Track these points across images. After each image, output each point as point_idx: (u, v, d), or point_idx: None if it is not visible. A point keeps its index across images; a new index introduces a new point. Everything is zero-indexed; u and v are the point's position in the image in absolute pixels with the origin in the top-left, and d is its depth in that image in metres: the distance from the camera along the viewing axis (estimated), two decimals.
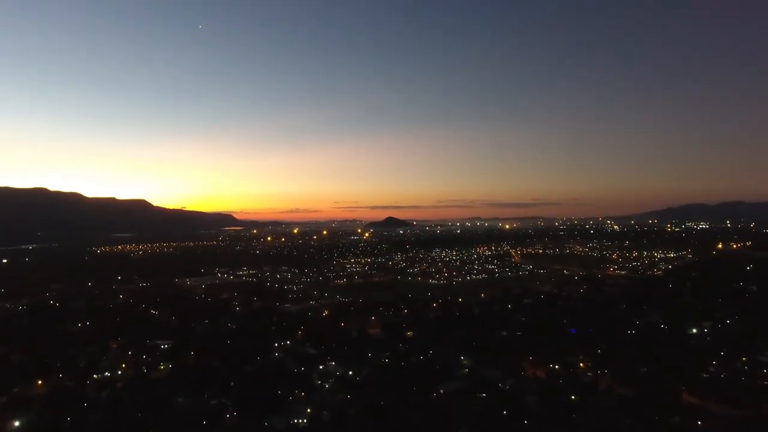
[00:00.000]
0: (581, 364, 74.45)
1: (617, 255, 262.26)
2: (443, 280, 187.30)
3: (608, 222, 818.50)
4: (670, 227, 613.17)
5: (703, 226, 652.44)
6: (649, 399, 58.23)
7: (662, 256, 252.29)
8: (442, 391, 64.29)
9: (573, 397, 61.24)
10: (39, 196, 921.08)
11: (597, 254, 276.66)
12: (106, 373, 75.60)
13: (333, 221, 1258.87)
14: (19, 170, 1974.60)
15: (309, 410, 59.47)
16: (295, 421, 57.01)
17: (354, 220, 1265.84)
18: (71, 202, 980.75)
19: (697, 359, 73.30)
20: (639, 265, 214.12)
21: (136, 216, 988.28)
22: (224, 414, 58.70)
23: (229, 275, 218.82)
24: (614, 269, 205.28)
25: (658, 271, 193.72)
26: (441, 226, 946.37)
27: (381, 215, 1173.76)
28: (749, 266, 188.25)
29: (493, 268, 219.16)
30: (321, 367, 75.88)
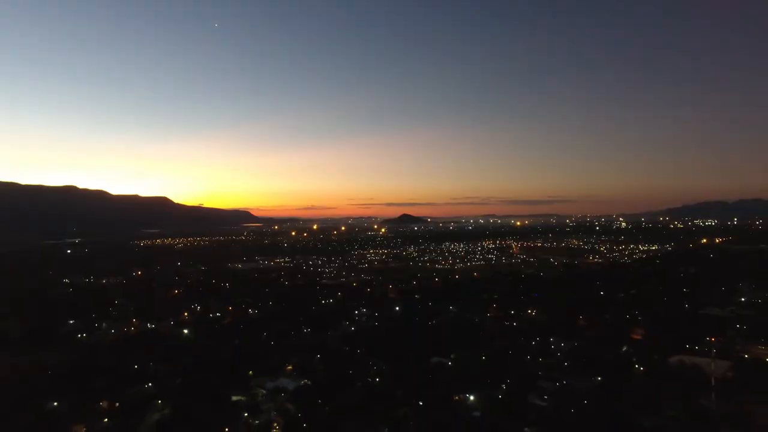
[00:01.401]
0: (529, 310, 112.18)
1: (605, 248, 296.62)
2: (447, 265, 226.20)
3: (619, 219, 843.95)
4: (675, 224, 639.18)
5: (710, 223, 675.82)
6: (559, 323, 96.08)
7: (644, 248, 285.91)
8: (434, 321, 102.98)
9: (515, 323, 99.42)
10: (69, 194, 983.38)
11: (588, 247, 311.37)
12: (218, 314, 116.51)
13: (349, 218, 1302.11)
14: (50, 169, 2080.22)
15: (353, 328, 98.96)
16: (345, 332, 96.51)
17: (369, 217, 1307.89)
18: (98, 199, 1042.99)
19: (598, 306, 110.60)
20: (617, 255, 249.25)
21: (158, 212, 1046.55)
22: (303, 330, 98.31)
23: (268, 262, 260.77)
24: (593, 258, 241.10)
25: (627, 259, 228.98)
26: (455, 222, 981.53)
27: (396, 212, 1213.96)
28: (711, 255, 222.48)
29: (492, 257, 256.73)
30: (356, 311, 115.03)
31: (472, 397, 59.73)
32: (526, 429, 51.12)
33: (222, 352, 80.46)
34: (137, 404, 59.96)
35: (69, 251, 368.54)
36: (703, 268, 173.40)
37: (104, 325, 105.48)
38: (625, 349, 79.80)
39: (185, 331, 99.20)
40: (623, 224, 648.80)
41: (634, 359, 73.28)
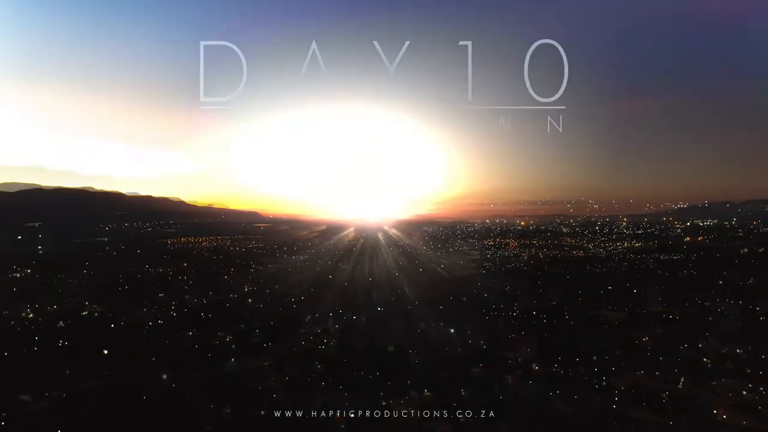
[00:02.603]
0: (506, 288, 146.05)
1: (592, 245, 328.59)
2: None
3: (623, 220, 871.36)
4: (674, 224, 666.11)
5: (708, 223, 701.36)
6: (524, 294, 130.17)
7: (628, 245, 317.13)
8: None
9: (485, 295, 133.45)
10: (86, 195, 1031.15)
11: (577, 244, 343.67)
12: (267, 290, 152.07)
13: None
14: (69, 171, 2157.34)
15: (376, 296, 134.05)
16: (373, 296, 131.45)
17: None
18: (114, 200, 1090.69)
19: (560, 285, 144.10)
20: (600, 250, 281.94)
21: (172, 212, 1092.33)
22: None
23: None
24: (576, 253, 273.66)
25: (604, 253, 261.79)
26: (461, 223, 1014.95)
27: None
28: (682, 249, 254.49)
29: (487, 252, 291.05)
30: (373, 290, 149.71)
31: (452, 330, 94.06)
32: (481, 342, 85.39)
33: (283, 310, 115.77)
34: (240, 335, 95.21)
35: (107, 248, 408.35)
36: (661, 259, 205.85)
37: (186, 296, 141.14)
38: (565, 309, 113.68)
39: (249, 300, 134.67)
40: (624, 224, 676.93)
41: (566, 314, 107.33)
